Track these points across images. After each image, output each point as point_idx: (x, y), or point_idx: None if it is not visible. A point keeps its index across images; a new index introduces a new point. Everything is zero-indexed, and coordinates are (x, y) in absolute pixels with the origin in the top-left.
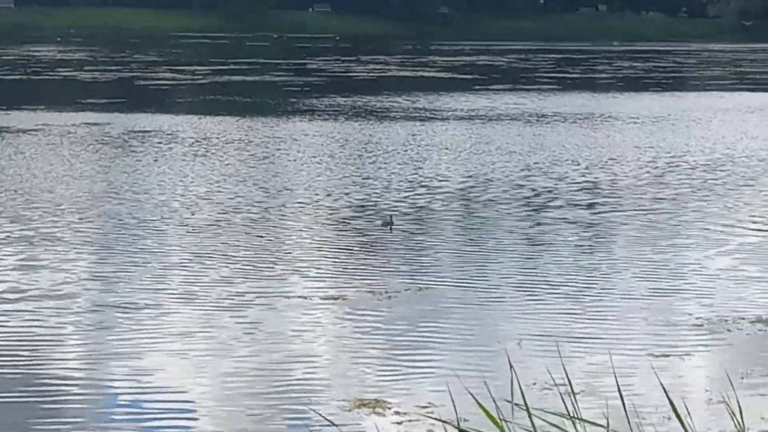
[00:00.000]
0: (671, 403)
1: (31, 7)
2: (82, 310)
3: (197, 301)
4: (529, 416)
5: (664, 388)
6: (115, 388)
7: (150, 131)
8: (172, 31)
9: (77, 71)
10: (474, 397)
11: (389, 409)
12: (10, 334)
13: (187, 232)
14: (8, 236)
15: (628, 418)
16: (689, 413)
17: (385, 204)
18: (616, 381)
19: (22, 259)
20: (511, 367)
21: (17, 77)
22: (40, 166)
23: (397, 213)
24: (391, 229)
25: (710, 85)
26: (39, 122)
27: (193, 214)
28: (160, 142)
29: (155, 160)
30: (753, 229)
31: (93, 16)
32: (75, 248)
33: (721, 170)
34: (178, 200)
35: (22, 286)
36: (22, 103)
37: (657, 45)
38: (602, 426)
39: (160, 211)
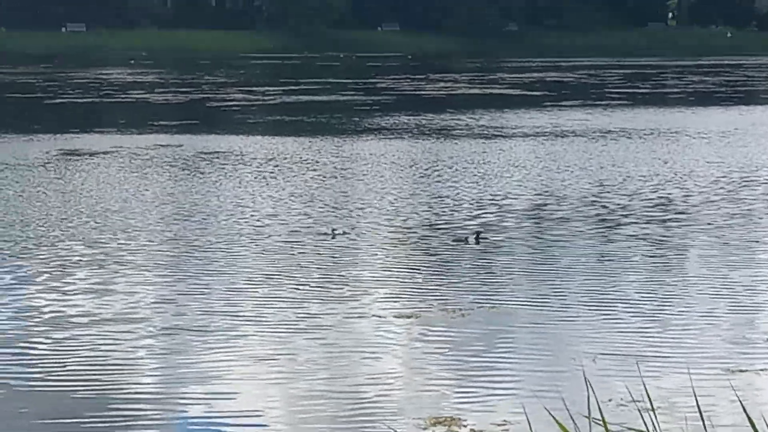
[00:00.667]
0: (749, 418)
1: (102, 30)
2: (154, 333)
3: (269, 322)
4: (606, 430)
5: (741, 403)
6: (187, 411)
7: (221, 152)
8: (241, 52)
9: (148, 93)
10: (549, 412)
11: (464, 427)
12: (82, 359)
13: (258, 253)
14: (80, 259)
15: None
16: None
17: (456, 222)
18: (695, 397)
19: (93, 283)
20: (587, 382)
21: (89, 100)
22: (112, 189)
23: (467, 231)
24: (477, 241)
25: None
26: (110, 145)
27: (264, 236)
28: (231, 163)
29: (226, 181)
30: None
31: (162, 38)
32: (146, 271)
33: None
34: (248, 221)
35: (93, 309)
36: (94, 125)
37: (727, 59)
38: None
39: (231, 232)
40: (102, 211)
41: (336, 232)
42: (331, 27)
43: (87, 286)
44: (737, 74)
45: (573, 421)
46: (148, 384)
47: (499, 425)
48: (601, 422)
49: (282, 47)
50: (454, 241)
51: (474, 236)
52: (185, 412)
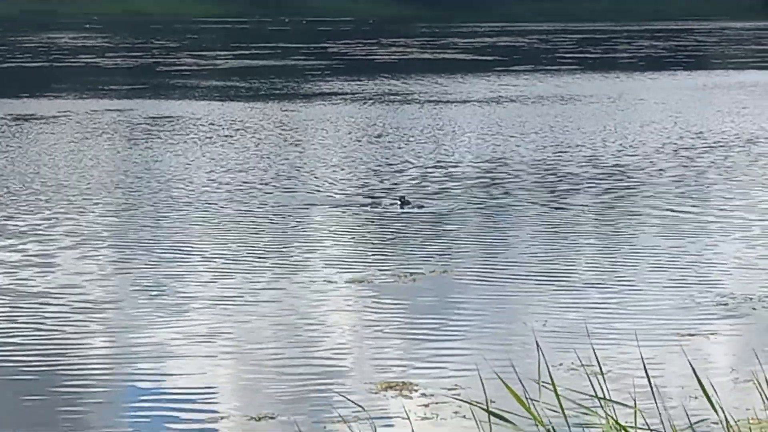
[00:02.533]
0: (699, 381)
1: None
2: (101, 306)
3: (218, 287)
4: (557, 396)
5: (692, 367)
6: (135, 371)
7: (171, 117)
8: (194, 17)
9: (99, 58)
10: (500, 378)
11: (416, 391)
12: (27, 334)
13: (208, 221)
14: (26, 229)
15: (655, 397)
16: (716, 392)
17: (407, 187)
18: (643, 361)
19: (39, 254)
20: (538, 347)
21: (39, 64)
22: (60, 154)
23: (419, 196)
24: (402, 206)
25: (732, 63)
26: (60, 109)
27: (213, 203)
28: (181, 128)
29: (176, 147)
30: None
31: (114, 3)
32: (94, 240)
33: (745, 149)
34: (198, 189)
35: (38, 282)
36: (44, 90)
37: (677, 24)
38: (629, 406)
39: (179, 200)
40: (50, 178)
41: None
42: None
43: (32, 257)
44: (688, 39)
45: (522, 384)
46: (96, 358)
47: (450, 389)
48: (551, 386)
49: (234, 12)
50: (400, 204)
51: (399, 201)
52: (132, 371)
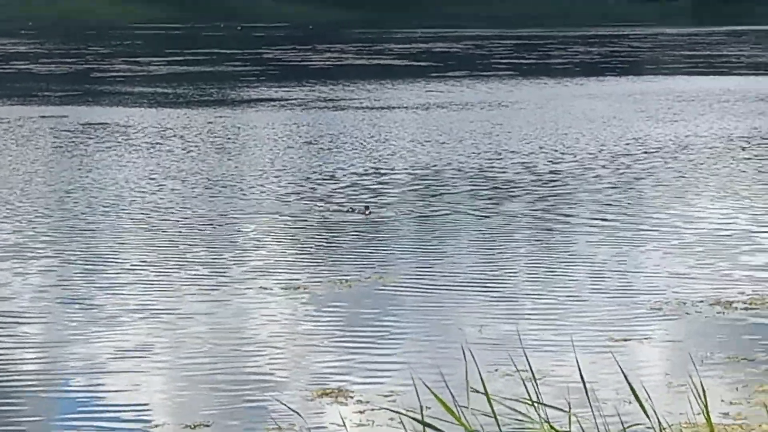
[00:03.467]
0: (631, 386)
1: None
2: (31, 312)
3: (151, 297)
4: (489, 402)
5: (623, 371)
6: (69, 380)
7: (105, 123)
8: (128, 22)
9: (32, 64)
10: (429, 388)
11: (351, 398)
12: None
13: (142, 230)
14: None
15: (589, 402)
16: (650, 397)
17: (342, 194)
18: (578, 366)
19: None
20: (471, 353)
21: None
22: None
23: (354, 203)
24: (367, 214)
25: (666, 69)
26: None
27: (147, 212)
28: (115, 135)
29: (109, 154)
30: (711, 212)
31: (48, 7)
32: (26, 249)
33: (679, 156)
34: (131, 195)
35: None
36: None
37: (613, 29)
38: (563, 410)
39: (113, 206)
40: None
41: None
42: None
43: None
44: (622, 44)
45: (451, 392)
46: (26, 373)
47: (385, 396)
48: (482, 393)
49: (171, 18)
50: (346, 211)
51: (364, 208)
52: (66, 380)
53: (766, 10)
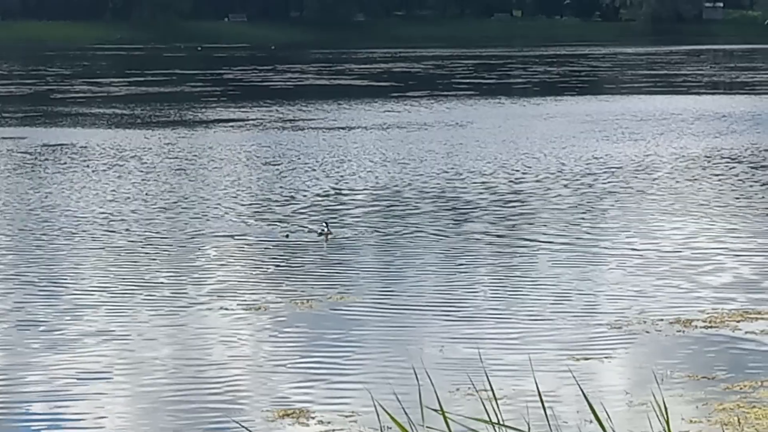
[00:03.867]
0: (590, 405)
1: None
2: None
3: (115, 315)
4: (446, 422)
5: (582, 391)
6: (28, 405)
7: (65, 144)
8: (88, 43)
9: None
10: (384, 409)
11: (313, 419)
12: None
13: (104, 252)
14: None
15: (548, 421)
16: (609, 416)
17: (302, 215)
18: (537, 385)
19: None
20: (426, 375)
21: None
22: None
23: (316, 223)
24: (326, 238)
25: (625, 89)
26: None
27: (108, 234)
28: (75, 156)
29: (69, 176)
30: (670, 232)
31: (6, 30)
32: None
33: (638, 174)
34: (91, 217)
35: None
36: None
37: (572, 49)
38: (522, 430)
39: (72, 228)
40: None
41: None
42: (179, 18)
43: None
44: (581, 64)
45: (406, 413)
46: None
47: (347, 416)
48: (439, 412)
49: (131, 38)
50: (307, 232)
51: (324, 228)
52: (26, 399)
53: (723, 29)
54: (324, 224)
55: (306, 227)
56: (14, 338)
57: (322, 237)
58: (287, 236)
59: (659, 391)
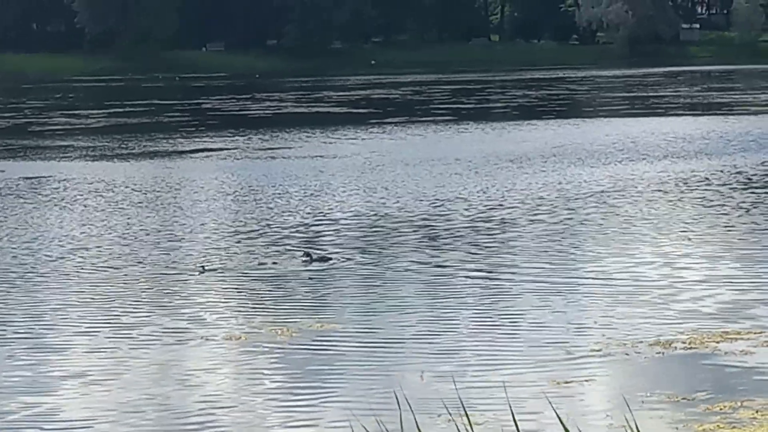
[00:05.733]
0: (565, 428)
1: None
2: None
3: (94, 345)
4: None
5: (559, 416)
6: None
7: (45, 177)
8: (66, 75)
9: None
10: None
11: None
12: None
13: (81, 284)
14: None
15: None
16: None
17: (282, 242)
18: (512, 412)
19: None
20: (405, 401)
21: None
22: None
23: (297, 251)
24: (311, 260)
25: (603, 111)
26: None
27: (86, 267)
28: (55, 189)
29: (48, 209)
30: (650, 255)
31: None
32: None
33: (618, 198)
34: (72, 248)
35: None
36: None
37: (550, 73)
38: None
39: (51, 262)
40: None
41: (205, 267)
42: (158, 48)
43: None
44: (559, 87)
45: None
46: None
47: None
48: None
49: (109, 69)
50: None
51: (305, 256)
52: None
53: (700, 50)
54: (305, 253)
55: (289, 255)
56: None
57: (307, 261)
58: (203, 269)
59: (638, 414)
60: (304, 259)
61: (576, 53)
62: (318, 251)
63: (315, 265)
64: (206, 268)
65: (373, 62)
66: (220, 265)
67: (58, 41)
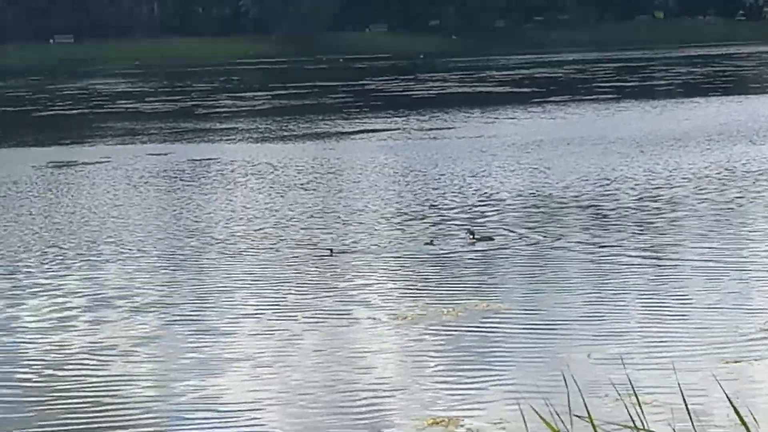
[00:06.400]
0: (736, 410)
1: (91, 41)
2: (147, 338)
3: (262, 326)
4: (594, 428)
5: (728, 396)
6: (178, 412)
7: (211, 159)
8: (230, 58)
9: (139, 103)
10: (537, 412)
11: (462, 426)
12: (80, 365)
13: (247, 262)
14: (76, 268)
15: (694, 427)
16: (757, 421)
17: (446, 223)
18: (680, 389)
19: (89, 285)
20: (567, 379)
21: (79, 111)
22: (104, 199)
23: (460, 231)
24: (474, 239)
25: None
26: (101, 155)
27: (255, 248)
28: (222, 171)
29: (217, 190)
30: None
31: (152, 48)
32: (138, 280)
33: None
34: (242, 230)
35: (93, 313)
36: (86, 137)
37: (715, 50)
38: None
39: (224, 241)
40: (93, 221)
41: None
42: (321, 30)
43: (82, 287)
44: (725, 64)
45: (560, 418)
46: (144, 383)
47: (495, 423)
48: (589, 419)
49: (273, 52)
50: (425, 244)
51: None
52: (175, 412)
53: None
54: (469, 232)
55: (453, 235)
56: (165, 348)
57: (471, 242)
58: (431, 242)
59: None
60: (469, 239)
61: (742, 29)
62: (481, 231)
63: (480, 245)
64: (334, 251)
65: (421, 56)
66: (385, 245)
67: (222, 25)
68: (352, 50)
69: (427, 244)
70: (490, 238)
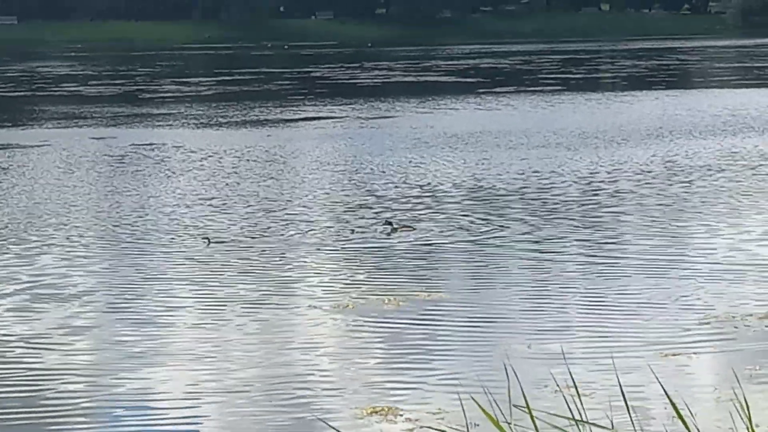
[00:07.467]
0: (672, 403)
1: (34, 23)
2: (89, 326)
3: (199, 317)
4: (532, 419)
5: (664, 389)
6: (119, 401)
7: (154, 144)
8: (175, 43)
9: (82, 86)
10: (477, 402)
11: (401, 416)
12: (19, 360)
13: (186, 250)
14: (10, 254)
15: (632, 419)
16: (693, 414)
17: (388, 208)
18: (619, 382)
19: (22, 273)
20: (508, 370)
21: (21, 93)
22: (44, 182)
23: (404, 218)
24: (391, 231)
25: (714, 82)
26: (41, 138)
27: (197, 228)
28: (164, 156)
29: (159, 175)
30: (761, 226)
31: (96, 31)
32: (78, 265)
33: (729, 170)
34: (181, 215)
35: (26, 302)
36: (26, 119)
37: (660, 43)
38: (606, 428)
39: (162, 227)
40: (32, 205)
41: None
42: (267, 17)
43: (23, 277)
44: (670, 58)
45: (499, 409)
46: (83, 375)
47: (434, 413)
48: (528, 410)
49: (219, 38)
50: (384, 227)
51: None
52: (116, 401)
53: None
54: (387, 222)
55: (392, 224)
56: (107, 332)
57: (389, 232)
58: (353, 231)
59: (746, 387)
60: (387, 229)
61: (687, 23)
62: (425, 220)
63: (420, 237)
64: (210, 240)
65: (370, 44)
66: (325, 235)
67: (169, 10)
68: (298, 37)
69: (351, 231)
70: (411, 227)
